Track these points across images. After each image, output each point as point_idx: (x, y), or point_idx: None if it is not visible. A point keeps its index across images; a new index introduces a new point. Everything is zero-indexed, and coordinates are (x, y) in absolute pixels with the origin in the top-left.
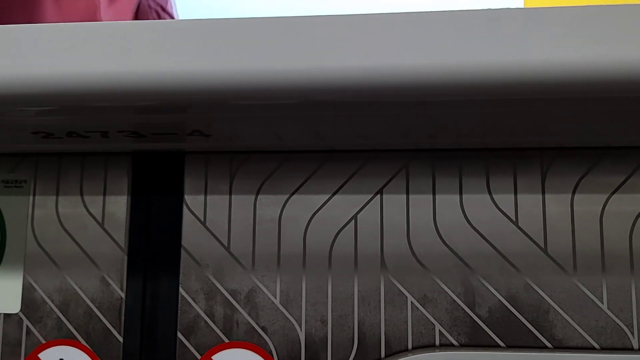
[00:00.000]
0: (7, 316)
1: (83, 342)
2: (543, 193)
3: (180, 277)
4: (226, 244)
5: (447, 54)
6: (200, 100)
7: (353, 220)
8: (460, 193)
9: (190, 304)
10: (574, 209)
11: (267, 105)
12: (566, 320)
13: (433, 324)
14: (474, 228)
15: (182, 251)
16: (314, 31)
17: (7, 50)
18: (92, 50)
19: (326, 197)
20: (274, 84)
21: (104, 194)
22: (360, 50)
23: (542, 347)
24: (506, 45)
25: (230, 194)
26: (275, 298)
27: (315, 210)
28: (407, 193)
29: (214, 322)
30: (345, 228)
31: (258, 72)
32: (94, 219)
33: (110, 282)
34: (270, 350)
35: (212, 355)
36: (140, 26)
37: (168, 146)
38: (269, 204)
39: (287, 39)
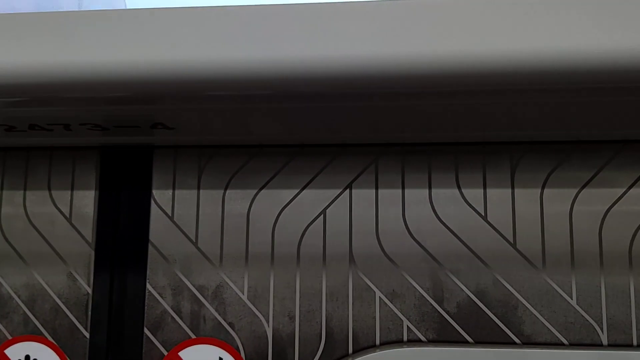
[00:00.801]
0: None
1: (49, 338)
2: (512, 188)
3: (148, 272)
4: (194, 240)
5: (419, 43)
6: (156, 92)
7: (322, 215)
8: (430, 188)
9: (157, 299)
10: (544, 204)
11: (226, 95)
12: (535, 315)
13: (401, 319)
14: (443, 223)
15: (150, 246)
16: (281, 21)
17: None
18: (51, 40)
19: (295, 192)
20: (239, 74)
21: (72, 189)
22: (329, 40)
23: (510, 343)
24: (472, 34)
25: (199, 188)
26: (243, 294)
27: (284, 205)
28: (377, 188)
29: (181, 318)
30: (313, 223)
31: (222, 62)
32: (62, 214)
33: (77, 277)
34: (237, 346)
35: (179, 351)
36: (103, 15)
37: (135, 140)
38: (238, 199)
39: (253, 27)
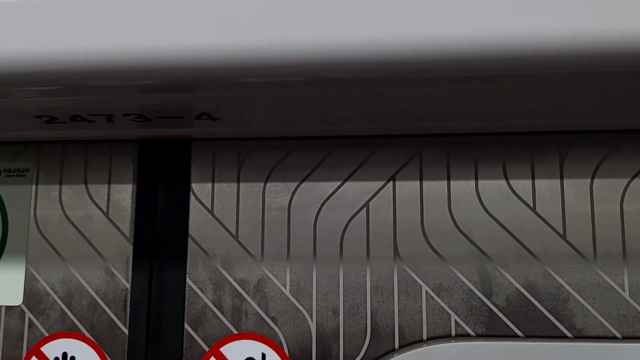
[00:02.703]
0: (9, 308)
1: (87, 335)
2: (561, 178)
3: (188, 267)
4: (234, 233)
5: (464, 26)
6: (209, 78)
7: (365, 207)
8: (476, 179)
9: (197, 294)
10: (594, 194)
11: (275, 82)
12: (586, 308)
13: (449, 313)
14: (491, 215)
15: (189, 240)
16: (321, 5)
17: (7, 27)
18: (97, 26)
19: (337, 184)
20: (283, 60)
21: (109, 183)
22: (370, 22)
23: (561, 337)
24: (517, 16)
25: (239, 181)
26: (285, 288)
27: (326, 197)
28: (421, 179)
29: (222, 312)
30: (356, 216)
31: (266, 48)
32: (99, 208)
33: (116, 272)
34: (281, 342)
35: (221, 347)
36: (145, 0)
37: (175, 132)
38: (278, 192)
39: (293, 13)
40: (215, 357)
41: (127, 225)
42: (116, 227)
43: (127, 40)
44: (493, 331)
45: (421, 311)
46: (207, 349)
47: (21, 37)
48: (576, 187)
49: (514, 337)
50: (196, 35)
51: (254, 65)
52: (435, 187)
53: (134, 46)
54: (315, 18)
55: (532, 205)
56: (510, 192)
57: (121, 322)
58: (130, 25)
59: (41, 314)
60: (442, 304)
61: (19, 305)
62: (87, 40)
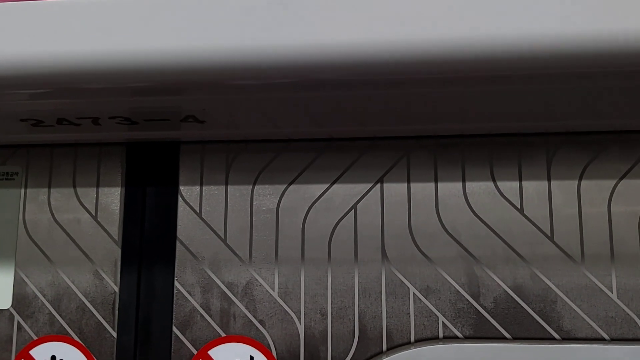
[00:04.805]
0: None
1: (76, 338)
2: (549, 180)
3: (176, 270)
4: (222, 236)
5: (452, 27)
6: (192, 80)
7: (353, 210)
8: (464, 181)
9: (185, 297)
10: (581, 196)
11: (262, 85)
12: (574, 310)
13: (436, 315)
14: (478, 217)
15: (178, 243)
16: (309, 7)
17: None
18: (80, 29)
19: (325, 186)
20: (269, 62)
21: (97, 186)
22: (358, 24)
23: (549, 339)
24: (503, 17)
25: (227, 184)
26: (273, 290)
27: (314, 200)
28: (409, 182)
29: (210, 315)
30: (344, 218)
31: (251, 50)
32: (87, 211)
33: (104, 276)
34: (269, 344)
35: (209, 350)
36: (130, 3)
37: (162, 135)
38: (267, 195)
39: (280, 15)
40: None
41: (115, 229)
42: (105, 230)
43: (113, 43)
44: (481, 333)
45: (409, 313)
46: (195, 351)
47: (7, 39)
48: (563, 189)
49: (501, 339)
50: (181, 38)
51: (239, 68)
52: (422, 190)
53: (119, 49)
54: (302, 20)
55: (519, 207)
56: (498, 194)
57: (110, 325)
58: (117, 28)
59: (30, 317)
60: (430, 306)
61: (7, 309)
62: (73, 43)
